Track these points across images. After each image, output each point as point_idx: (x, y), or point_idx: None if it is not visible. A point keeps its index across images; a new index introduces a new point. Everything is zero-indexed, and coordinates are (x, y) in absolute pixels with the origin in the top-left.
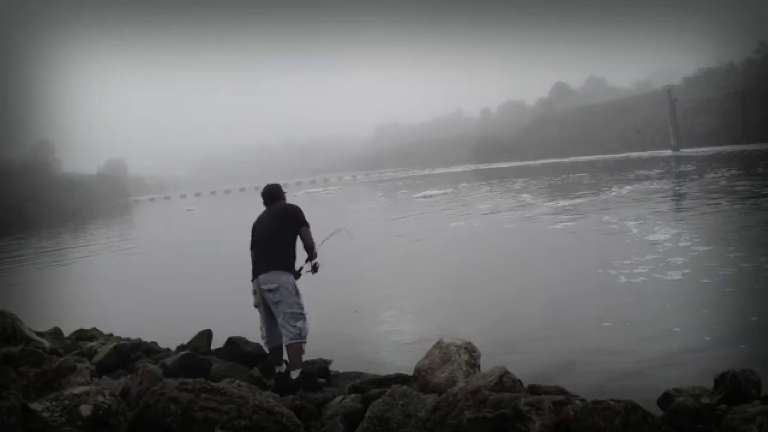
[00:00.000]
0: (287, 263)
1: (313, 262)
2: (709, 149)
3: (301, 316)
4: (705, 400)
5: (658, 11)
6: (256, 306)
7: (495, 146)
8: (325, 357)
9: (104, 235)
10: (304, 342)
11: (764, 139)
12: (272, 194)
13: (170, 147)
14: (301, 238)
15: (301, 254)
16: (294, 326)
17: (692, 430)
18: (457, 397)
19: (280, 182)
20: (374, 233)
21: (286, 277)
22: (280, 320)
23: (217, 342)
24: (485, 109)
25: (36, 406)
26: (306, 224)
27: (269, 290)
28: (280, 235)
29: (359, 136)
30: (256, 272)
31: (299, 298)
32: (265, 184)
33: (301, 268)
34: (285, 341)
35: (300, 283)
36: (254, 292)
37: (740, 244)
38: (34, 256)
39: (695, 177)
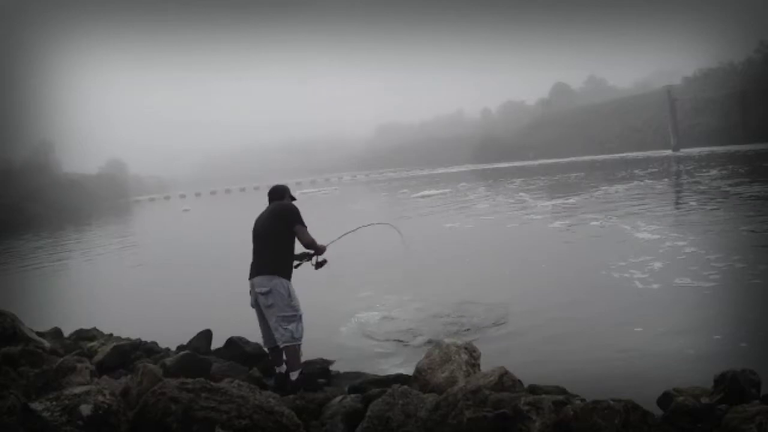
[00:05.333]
0: (279, 267)
1: (319, 258)
2: (709, 149)
3: (294, 318)
4: (705, 400)
5: (658, 11)
6: (252, 305)
7: (495, 146)
8: (325, 357)
9: (103, 235)
10: (299, 343)
11: (764, 139)
12: (275, 193)
13: (171, 147)
14: (297, 237)
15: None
16: (286, 329)
17: (692, 430)
18: (457, 396)
19: (281, 182)
20: (371, 232)
21: (278, 281)
22: (272, 323)
23: (217, 342)
24: (485, 109)
25: (36, 405)
26: (299, 223)
27: (262, 294)
28: (272, 236)
29: (359, 136)
30: (251, 274)
31: (292, 300)
32: (264, 184)
33: (299, 263)
34: (279, 344)
35: (301, 284)
36: (251, 292)
37: (736, 244)
38: (33, 256)
39: (689, 177)
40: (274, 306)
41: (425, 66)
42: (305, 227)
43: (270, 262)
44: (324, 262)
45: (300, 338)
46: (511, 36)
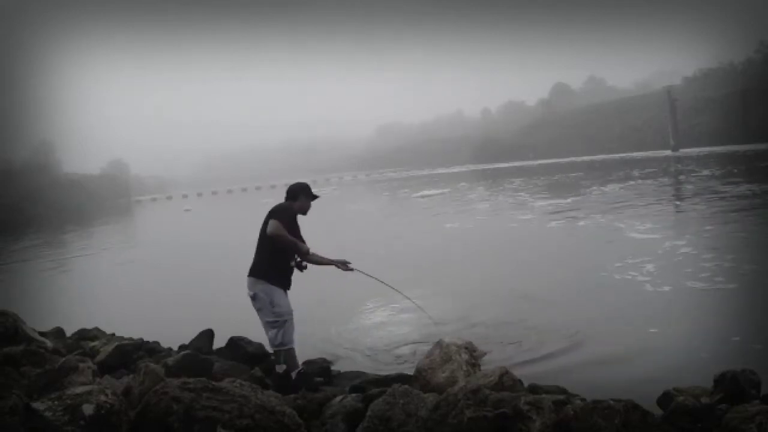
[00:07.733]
0: (266, 271)
1: (298, 258)
2: (709, 149)
3: (275, 324)
4: (705, 399)
5: (658, 11)
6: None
7: (495, 146)
8: (326, 357)
9: (104, 235)
10: (286, 348)
11: (764, 139)
12: (288, 193)
13: (171, 147)
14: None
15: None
16: (268, 335)
17: (692, 430)
18: (457, 396)
19: (280, 183)
20: (368, 232)
21: (261, 286)
22: (263, 325)
23: (219, 342)
24: (485, 109)
25: (38, 405)
26: (274, 216)
27: (250, 297)
28: (262, 239)
29: (360, 136)
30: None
31: (274, 308)
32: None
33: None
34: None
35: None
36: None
37: (730, 244)
38: (33, 256)
39: (686, 177)
40: (261, 310)
41: (425, 66)
42: (278, 221)
43: (260, 265)
44: (302, 266)
45: (282, 344)
46: (511, 36)
